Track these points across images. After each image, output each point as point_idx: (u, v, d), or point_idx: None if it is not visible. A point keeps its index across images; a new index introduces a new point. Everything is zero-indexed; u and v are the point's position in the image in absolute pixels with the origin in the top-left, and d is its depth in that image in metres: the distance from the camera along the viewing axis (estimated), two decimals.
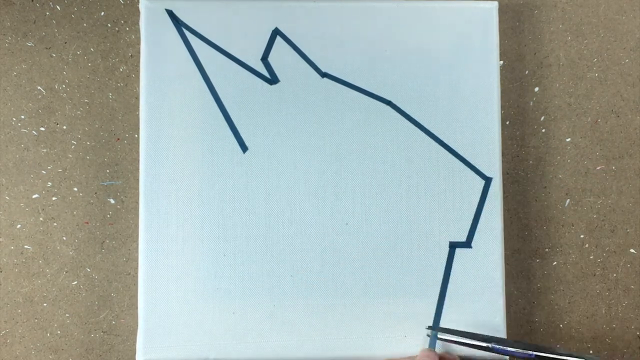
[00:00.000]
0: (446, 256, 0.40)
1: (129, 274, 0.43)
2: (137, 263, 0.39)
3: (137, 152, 0.41)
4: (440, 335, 0.37)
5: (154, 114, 0.40)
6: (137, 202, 0.40)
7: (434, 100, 0.41)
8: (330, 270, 0.40)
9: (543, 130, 0.45)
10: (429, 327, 0.39)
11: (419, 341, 0.39)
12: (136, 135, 0.43)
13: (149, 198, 0.39)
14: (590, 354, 0.42)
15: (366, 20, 0.41)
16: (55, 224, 0.43)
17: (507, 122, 0.45)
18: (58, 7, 0.44)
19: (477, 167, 0.41)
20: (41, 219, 0.43)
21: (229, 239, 0.39)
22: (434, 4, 0.41)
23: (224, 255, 0.39)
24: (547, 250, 0.44)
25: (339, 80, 0.41)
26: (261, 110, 0.40)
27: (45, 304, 0.42)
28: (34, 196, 0.43)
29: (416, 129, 0.41)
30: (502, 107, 0.44)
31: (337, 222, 0.40)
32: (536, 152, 0.45)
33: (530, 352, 0.35)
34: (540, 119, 0.45)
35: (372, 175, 0.40)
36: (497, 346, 0.36)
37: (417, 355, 0.37)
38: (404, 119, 0.41)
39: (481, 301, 0.40)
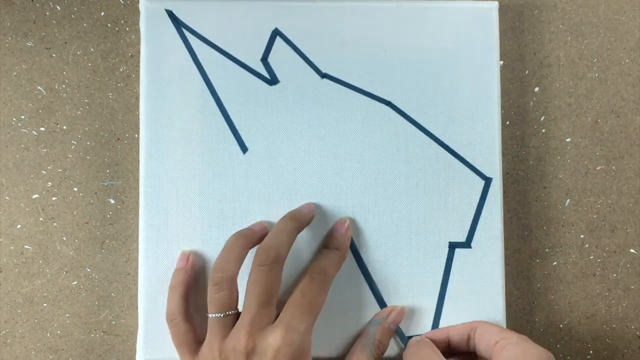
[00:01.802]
0: (446, 256, 0.40)
1: (129, 274, 0.43)
2: (137, 263, 0.40)
3: (137, 152, 0.41)
4: None
5: (154, 114, 0.40)
6: (137, 202, 0.40)
7: (433, 100, 0.41)
8: None
9: (543, 130, 0.45)
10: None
11: None
12: (136, 135, 0.43)
13: (149, 198, 0.39)
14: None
15: (366, 20, 0.41)
16: (55, 224, 0.43)
17: (507, 122, 0.45)
18: (58, 7, 0.44)
19: (477, 167, 0.41)
20: (41, 219, 0.43)
21: None
22: (434, 4, 0.41)
23: None
24: (547, 250, 0.44)
25: (339, 80, 0.41)
26: (261, 110, 0.40)
27: (45, 304, 0.42)
28: (34, 196, 0.43)
29: (416, 129, 0.41)
30: (502, 107, 0.44)
31: None
32: (536, 152, 0.45)
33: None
34: (540, 119, 0.45)
35: (371, 176, 0.40)
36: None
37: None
38: (403, 119, 0.41)
39: (481, 301, 0.40)
